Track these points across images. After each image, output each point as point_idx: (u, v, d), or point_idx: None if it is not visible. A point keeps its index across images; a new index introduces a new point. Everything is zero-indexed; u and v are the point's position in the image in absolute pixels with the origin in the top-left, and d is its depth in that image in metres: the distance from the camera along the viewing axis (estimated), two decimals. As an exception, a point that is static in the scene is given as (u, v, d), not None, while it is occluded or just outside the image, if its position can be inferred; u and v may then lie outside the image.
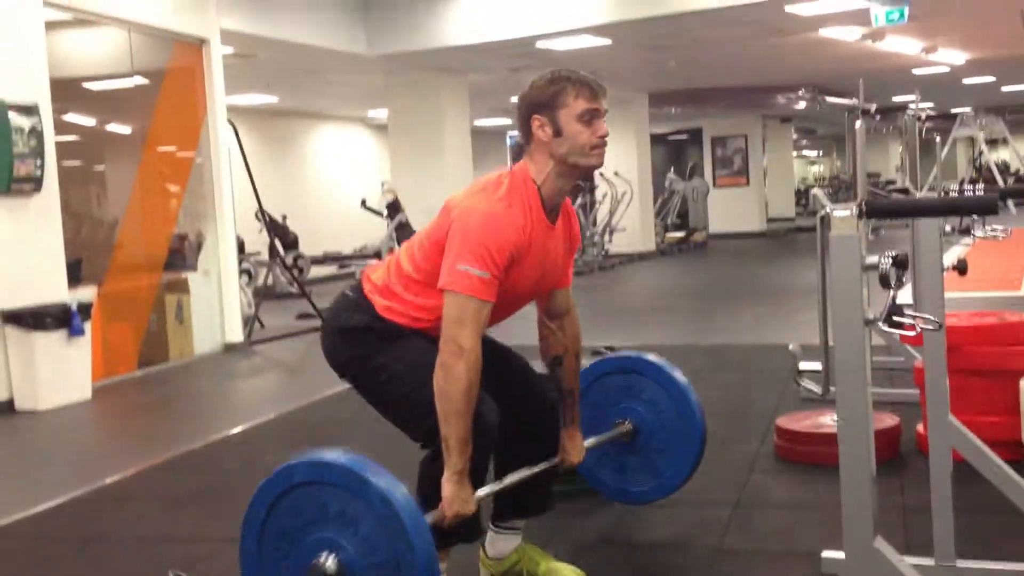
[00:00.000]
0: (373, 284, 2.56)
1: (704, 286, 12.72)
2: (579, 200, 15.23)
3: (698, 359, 6.35)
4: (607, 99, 2.49)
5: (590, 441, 2.93)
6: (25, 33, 6.32)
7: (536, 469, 2.66)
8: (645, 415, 3.09)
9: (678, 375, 3.09)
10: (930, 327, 2.20)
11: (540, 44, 10.41)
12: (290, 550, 2.14)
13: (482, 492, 2.46)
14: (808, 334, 6.76)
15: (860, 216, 2.00)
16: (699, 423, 3.06)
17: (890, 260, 2.00)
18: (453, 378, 2.29)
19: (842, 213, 2.01)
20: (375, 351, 2.51)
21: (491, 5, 9.97)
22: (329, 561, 2.08)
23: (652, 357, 3.14)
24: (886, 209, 2.11)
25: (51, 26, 6.67)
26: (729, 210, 20.50)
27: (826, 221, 2.05)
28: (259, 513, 2.18)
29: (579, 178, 2.54)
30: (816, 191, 2.38)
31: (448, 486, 2.30)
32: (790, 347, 2.70)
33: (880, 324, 2.04)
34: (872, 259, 2.03)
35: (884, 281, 2.00)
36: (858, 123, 3.28)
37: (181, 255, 8.31)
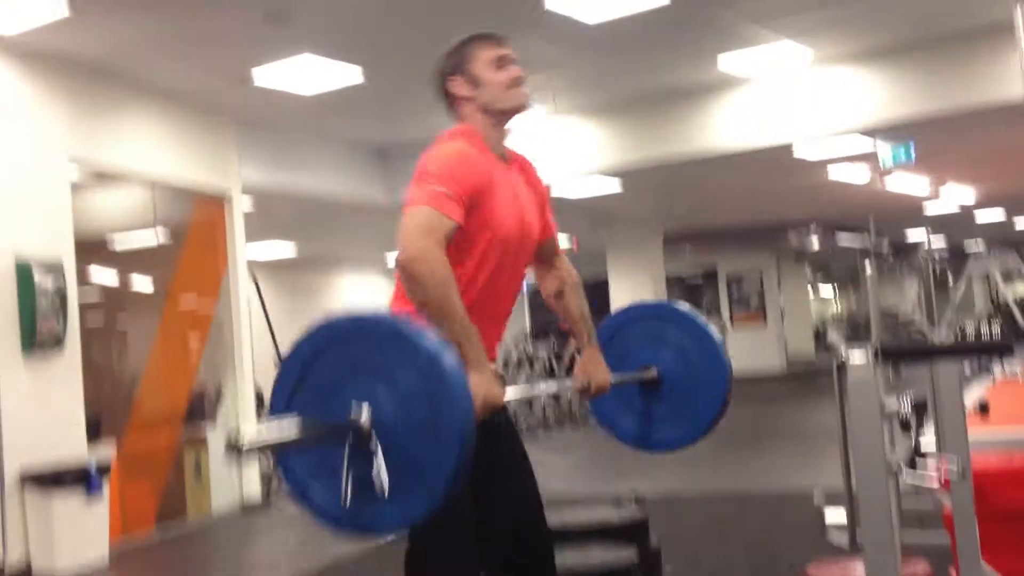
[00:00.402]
0: (393, 302, 2.51)
1: (726, 428, 12.46)
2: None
3: (724, 506, 6.24)
4: (510, 46, 2.56)
5: (613, 378, 2.81)
6: (51, 193, 6.49)
7: None
8: (672, 364, 3.00)
9: (709, 326, 3.01)
10: (955, 472, 2.16)
11: (554, 193, 10.60)
12: (323, 407, 2.02)
13: None
14: (834, 477, 6.64)
15: (877, 360, 1.99)
16: (725, 376, 2.97)
17: (909, 404, 1.98)
18: (424, 283, 2.19)
19: (858, 357, 2.01)
20: None
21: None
22: (364, 414, 1.98)
23: (682, 306, 3.08)
24: (902, 353, 2.10)
25: (76, 185, 6.85)
26: (748, 351, 20.39)
27: (842, 367, 2.04)
28: (295, 367, 2.08)
29: (507, 122, 2.56)
30: (832, 334, 2.38)
31: (472, 376, 2.13)
32: (815, 501, 2.64)
33: (903, 471, 2.01)
34: (892, 404, 2.01)
35: (905, 426, 1.98)
36: (868, 269, 3.30)
37: (200, 409, 8.30)
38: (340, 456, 1.98)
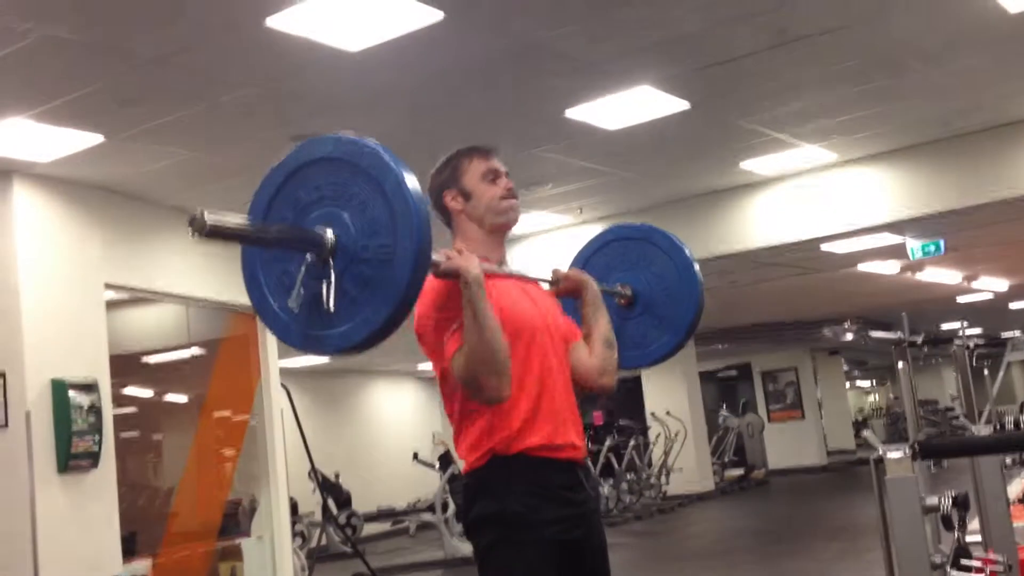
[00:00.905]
0: (463, 454, 2.50)
1: (767, 526, 12.34)
2: (632, 441, 15.11)
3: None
4: (499, 160, 2.61)
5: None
6: (86, 314, 6.58)
7: None
8: (646, 284, 3.06)
9: (678, 241, 3.11)
10: (1001, 568, 2.12)
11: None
12: (294, 218, 2.17)
13: None
14: (878, 574, 6.48)
15: (914, 457, 1.97)
16: (697, 294, 3.03)
17: (951, 501, 1.95)
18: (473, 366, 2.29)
19: (896, 455, 1.99)
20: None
21: (528, 262, 10.28)
22: (328, 233, 2.12)
23: (653, 227, 3.17)
24: (940, 450, 2.08)
25: (111, 305, 6.95)
26: (787, 445, 20.14)
27: (880, 463, 2.02)
28: (276, 179, 2.26)
29: (502, 235, 2.61)
30: (867, 433, 2.36)
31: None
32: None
33: (948, 569, 1.97)
34: (932, 500, 1.99)
35: (947, 523, 1.95)
36: (902, 364, 3.28)
37: (235, 520, 8.26)
38: (300, 271, 2.14)
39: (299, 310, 2.15)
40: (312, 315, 2.15)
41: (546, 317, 2.57)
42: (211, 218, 1.95)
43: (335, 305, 2.12)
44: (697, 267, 3.08)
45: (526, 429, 2.41)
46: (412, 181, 2.11)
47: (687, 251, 3.09)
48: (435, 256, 2.25)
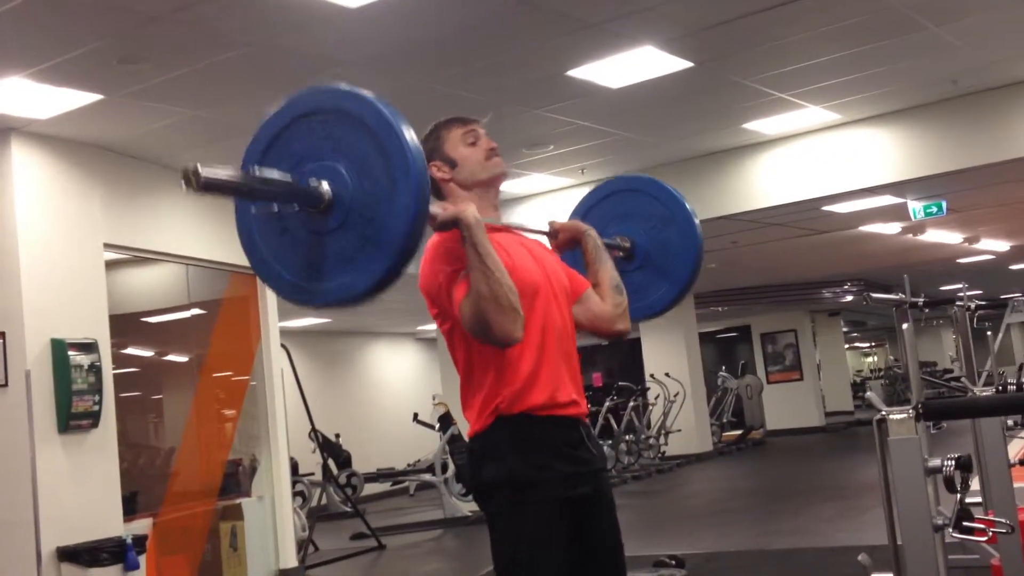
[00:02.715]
0: (469, 418, 2.50)
1: (765, 486, 12.42)
2: (632, 403, 15.16)
3: (767, 566, 6.13)
4: (477, 123, 2.63)
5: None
6: (86, 275, 6.57)
7: None
8: (645, 236, 3.08)
9: (683, 199, 3.11)
10: (1003, 530, 2.12)
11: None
12: (289, 171, 2.14)
13: None
14: (878, 534, 6.52)
15: (917, 419, 1.96)
16: (697, 246, 3.04)
17: (953, 463, 1.94)
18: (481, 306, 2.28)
19: (899, 416, 1.98)
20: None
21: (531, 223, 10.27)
22: (324, 185, 2.11)
23: (651, 179, 3.21)
24: (943, 411, 2.07)
25: (110, 265, 6.94)
26: (785, 406, 20.22)
27: (882, 424, 2.01)
28: (271, 131, 2.24)
29: (494, 190, 2.63)
30: (870, 394, 2.35)
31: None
32: (859, 557, 2.60)
33: (950, 531, 1.97)
34: (935, 462, 1.98)
35: (949, 485, 1.94)
36: (906, 325, 3.26)
37: (236, 480, 8.30)
38: (295, 224, 2.15)
39: (298, 264, 2.15)
40: (311, 268, 2.15)
41: (548, 273, 2.57)
42: (206, 172, 1.93)
43: (334, 258, 2.11)
44: (697, 220, 3.08)
45: (529, 387, 2.42)
46: (409, 133, 2.09)
47: (687, 204, 3.09)
48: (432, 208, 2.25)
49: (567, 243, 2.82)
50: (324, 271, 2.14)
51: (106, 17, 4.83)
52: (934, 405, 1.95)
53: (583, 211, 3.13)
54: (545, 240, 2.78)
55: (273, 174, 2.13)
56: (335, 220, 2.12)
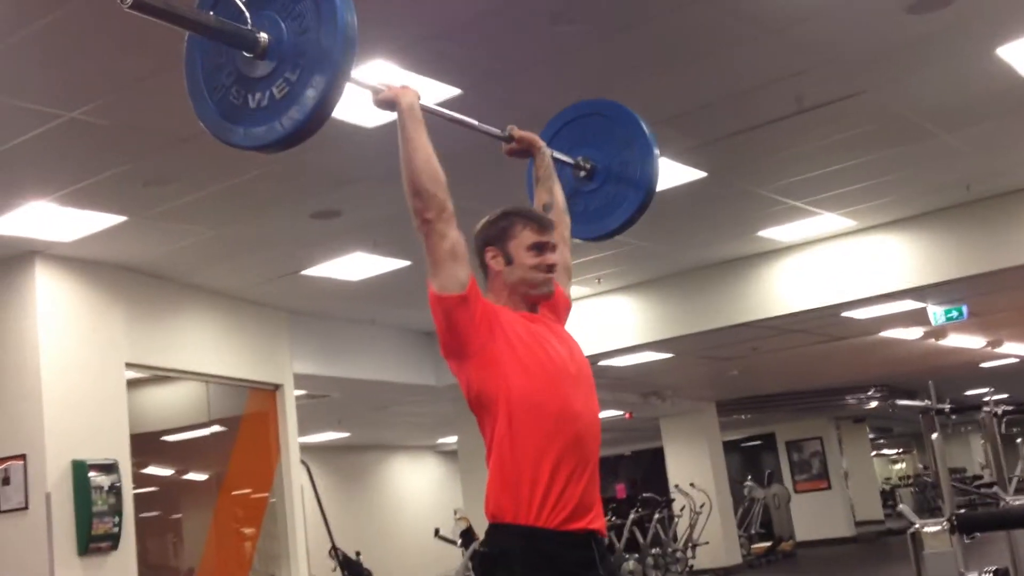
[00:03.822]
0: (489, 505, 2.44)
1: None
2: (657, 515, 14.90)
3: None
4: (553, 234, 2.65)
5: (550, 151, 3.01)
6: (107, 395, 6.57)
7: None
8: (606, 157, 3.16)
9: (637, 117, 3.18)
10: (1047, 646, 2.04)
11: (601, 363, 10.60)
12: (236, 18, 2.25)
13: None
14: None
15: (952, 531, 1.92)
16: (652, 153, 3.11)
17: (991, 575, 1.89)
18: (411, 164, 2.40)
19: (933, 529, 1.93)
20: None
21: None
22: (262, 35, 2.22)
23: (614, 101, 3.27)
24: (978, 523, 2.02)
25: (131, 384, 6.95)
26: (814, 516, 19.80)
27: (916, 537, 1.96)
28: None
29: (533, 304, 2.62)
30: (902, 507, 2.30)
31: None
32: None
33: (992, 647, 1.90)
34: (972, 574, 1.92)
35: (988, 599, 1.88)
36: (935, 435, 3.21)
37: (256, 601, 8.16)
38: (231, 71, 2.28)
39: (227, 103, 2.30)
40: (239, 111, 2.29)
41: (577, 361, 2.55)
42: None
43: (267, 102, 2.23)
44: (648, 129, 3.18)
45: (548, 497, 2.36)
46: None
47: (643, 124, 3.19)
48: (377, 84, 2.42)
49: (520, 152, 2.97)
50: (256, 114, 2.26)
51: (131, 140, 4.94)
52: (968, 517, 1.90)
53: (548, 137, 3.18)
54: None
55: (210, 15, 2.26)
56: (268, 67, 2.24)
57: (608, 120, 3.24)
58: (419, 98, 2.48)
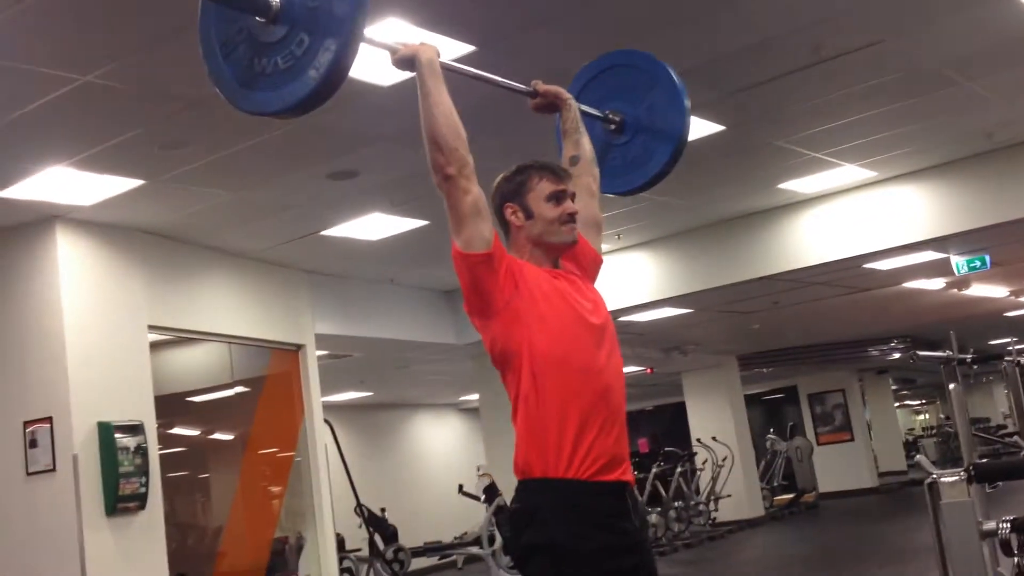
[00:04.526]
0: (518, 462, 2.45)
1: (821, 551, 12.14)
2: (679, 468, 14.96)
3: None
4: (570, 183, 2.63)
5: (578, 105, 2.97)
6: (131, 357, 6.63)
7: None
8: (633, 106, 3.11)
9: (656, 59, 3.13)
10: (1066, 594, 2.04)
11: (622, 318, 10.59)
12: None
13: None
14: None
15: (970, 481, 1.92)
16: (684, 105, 3.07)
17: (1008, 525, 1.89)
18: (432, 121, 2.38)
19: (950, 479, 1.93)
20: None
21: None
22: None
23: (631, 49, 3.21)
24: (996, 472, 2.02)
25: (154, 346, 7.00)
26: (837, 468, 19.84)
27: (934, 487, 1.96)
28: None
29: (556, 256, 2.61)
30: (919, 457, 2.30)
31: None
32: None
33: (1009, 595, 1.91)
34: (990, 525, 1.93)
35: (1005, 548, 1.88)
36: (953, 385, 3.20)
37: (283, 558, 8.26)
38: (244, 35, 2.27)
39: (240, 67, 2.29)
40: (251, 75, 2.28)
41: (601, 316, 2.55)
42: None
43: (271, 69, 2.23)
44: (678, 79, 3.12)
45: (577, 450, 2.36)
46: None
47: (667, 65, 3.13)
48: (394, 44, 2.40)
49: (546, 107, 2.93)
50: (258, 80, 2.27)
51: (147, 103, 4.94)
52: (986, 467, 1.90)
53: (576, 91, 3.15)
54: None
55: None
56: (280, 31, 2.23)
57: (638, 71, 3.17)
58: (438, 54, 2.46)
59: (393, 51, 2.43)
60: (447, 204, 2.40)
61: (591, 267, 2.75)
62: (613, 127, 3.13)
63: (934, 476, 1.94)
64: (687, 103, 3.10)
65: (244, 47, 2.31)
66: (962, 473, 1.92)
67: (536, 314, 2.42)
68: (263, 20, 2.24)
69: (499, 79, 2.76)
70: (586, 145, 2.91)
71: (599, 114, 3.09)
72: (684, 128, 3.11)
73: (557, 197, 2.57)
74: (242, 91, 2.32)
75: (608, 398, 2.44)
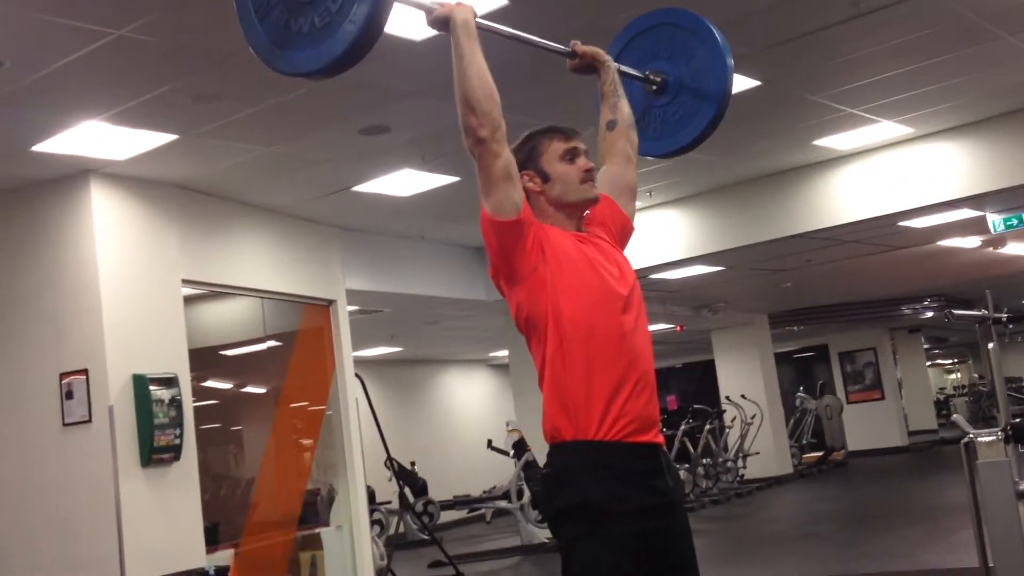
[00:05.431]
0: (546, 427, 2.46)
1: (849, 508, 12.15)
2: (708, 426, 14.99)
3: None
4: (580, 140, 2.61)
5: (617, 65, 2.92)
6: (165, 310, 6.69)
7: None
8: (676, 69, 3.06)
9: (709, 23, 3.05)
10: (1102, 555, 2.04)
11: (652, 276, 10.56)
12: None
13: None
14: (968, 556, 6.33)
15: (1007, 441, 1.90)
16: (726, 64, 2.99)
17: (1046, 485, 1.88)
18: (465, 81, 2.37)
19: (987, 439, 1.92)
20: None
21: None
22: None
23: (671, 8, 3.15)
24: (1034, 432, 2.01)
25: (188, 300, 7.06)
26: (866, 426, 19.80)
27: (970, 447, 1.95)
28: None
29: (580, 214, 2.61)
30: (956, 416, 2.28)
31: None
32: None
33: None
34: (1026, 485, 1.92)
35: (1042, 508, 1.88)
36: (992, 344, 3.17)
37: (314, 510, 8.36)
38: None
39: (275, 28, 2.31)
40: (286, 35, 2.29)
41: (627, 278, 2.54)
42: None
43: (307, 28, 2.25)
44: (721, 37, 3.04)
45: (607, 411, 2.36)
46: None
47: (709, 22, 3.06)
48: (428, 3, 2.38)
49: (584, 68, 2.88)
50: (294, 40, 2.28)
51: (180, 58, 4.94)
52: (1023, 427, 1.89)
53: (616, 51, 3.12)
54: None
55: None
56: None
57: (680, 30, 3.10)
58: (475, 14, 2.43)
59: (429, 10, 2.40)
60: (477, 168, 2.38)
61: (621, 233, 2.72)
62: (655, 87, 3.07)
63: (971, 436, 1.93)
64: (730, 62, 3.02)
65: (279, 8, 2.30)
66: (999, 433, 1.91)
67: (563, 281, 2.41)
68: None
69: (536, 39, 2.72)
70: (624, 109, 2.85)
71: (639, 75, 3.03)
72: (727, 89, 3.03)
73: (571, 154, 2.56)
74: (279, 52, 2.32)
75: (636, 362, 2.43)
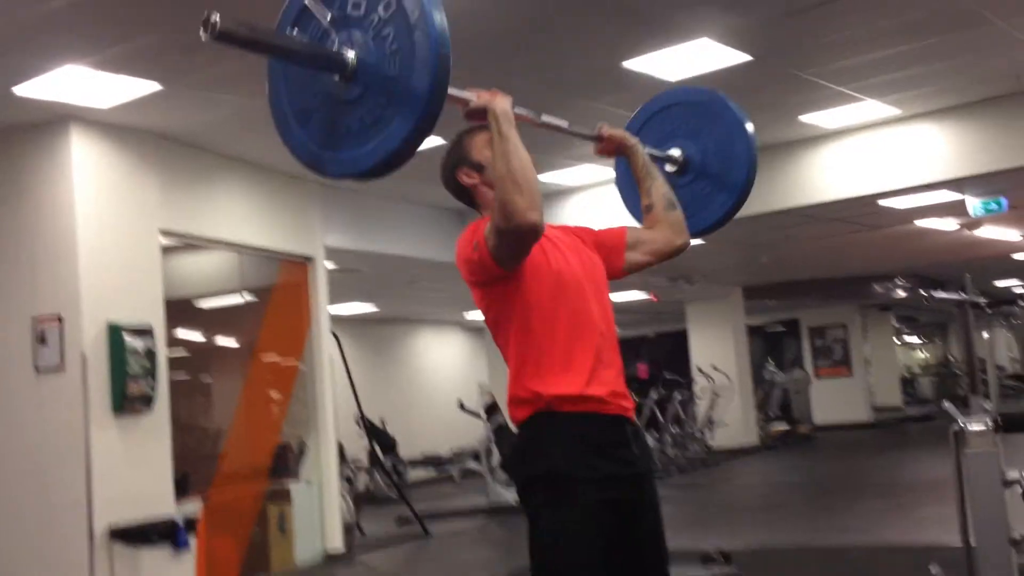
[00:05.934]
0: (511, 404, 2.51)
1: (813, 481, 12.29)
2: (677, 396, 15.08)
3: (815, 563, 6.05)
4: None
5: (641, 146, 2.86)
6: (142, 261, 6.64)
7: None
8: (698, 149, 3.02)
9: (733, 105, 3.02)
10: (1082, 545, 2.06)
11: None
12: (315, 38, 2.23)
13: None
14: (932, 532, 6.42)
15: (996, 430, 1.92)
16: (750, 153, 2.97)
17: (1031, 475, 1.90)
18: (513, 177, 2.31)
19: (977, 427, 1.93)
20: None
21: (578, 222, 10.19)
22: (349, 53, 2.16)
23: (701, 87, 3.15)
24: None
25: (165, 251, 7.00)
26: (833, 401, 20.00)
27: (959, 435, 1.97)
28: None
29: None
30: (947, 405, 2.29)
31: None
32: (931, 569, 2.52)
33: (1027, 544, 1.92)
34: (1012, 474, 1.93)
35: (1027, 498, 1.89)
36: (985, 334, 3.19)
37: (284, 464, 8.37)
38: (321, 97, 2.21)
39: (320, 131, 2.23)
40: (333, 136, 2.22)
41: (584, 264, 2.58)
42: (223, 23, 1.97)
43: (356, 126, 2.17)
44: (749, 125, 3.00)
45: (572, 383, 2.42)
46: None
47: (737, 108, 3.02)
48: (465, 94, 2.35)
49: (611, 151, 2.86)
50: (347, 139, 2.20)
51: (166, 5, 4.86)
52: (1015, 417, 1.90)
53: (635, 129, 3.10)
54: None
55: (297, 38, 2.21)
56: (358, 88, 2.17)
57: (701, 110, 3.06)
58: (512, 104, 2.43)
59: (465, 103, 2.40)
60: (508, 240, 2.34)
61: (596, 248, 2.71)
62: (675, 168, 3.02)
63: (961, 424, 1.94)
64: (755, 153, 3.00)
65: (322, 111, 2.24)
66: (989, 422, 1.92)
67: (525, 277, 2.47)
68: (338, 79, 2.19)
69: (566, 125, 2.71)
70: (658, 190, 2.79)
71: (659, 154, 2.97)
72: (750, 175, 3.02)
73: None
74: (327, 154, 2.26)
75: (599, 344, 2.49)
